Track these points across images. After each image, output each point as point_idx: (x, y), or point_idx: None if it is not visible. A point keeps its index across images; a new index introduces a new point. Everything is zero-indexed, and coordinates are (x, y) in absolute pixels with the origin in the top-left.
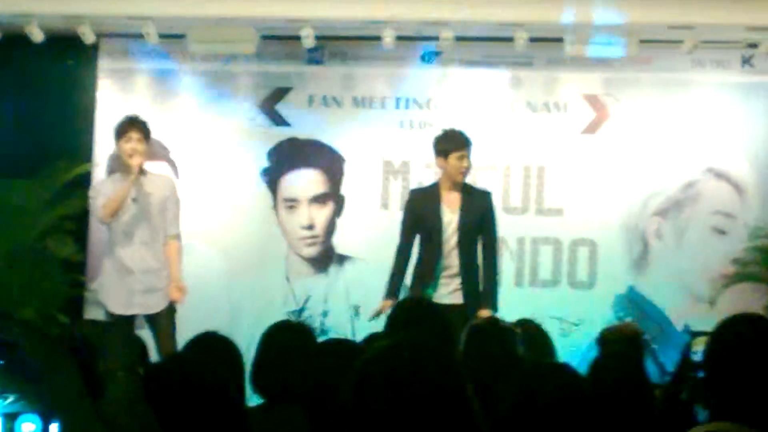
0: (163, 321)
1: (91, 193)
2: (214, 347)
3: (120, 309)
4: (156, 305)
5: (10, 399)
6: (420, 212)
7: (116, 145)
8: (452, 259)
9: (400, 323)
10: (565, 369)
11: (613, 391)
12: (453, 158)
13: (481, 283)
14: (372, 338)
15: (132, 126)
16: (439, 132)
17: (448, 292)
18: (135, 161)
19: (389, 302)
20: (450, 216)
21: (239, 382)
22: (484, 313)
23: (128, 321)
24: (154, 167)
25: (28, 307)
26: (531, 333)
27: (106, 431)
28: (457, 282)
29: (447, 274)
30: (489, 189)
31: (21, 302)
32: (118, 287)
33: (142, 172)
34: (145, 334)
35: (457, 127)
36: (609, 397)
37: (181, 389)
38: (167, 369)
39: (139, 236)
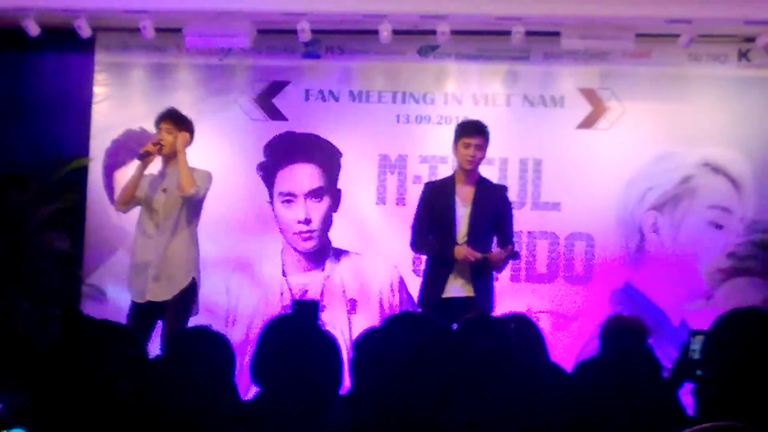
0: (171, 311)
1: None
2: (205, 342)
3: (137, 297)
4: (165, 293)
5: None
6: (434, 204)
7: None
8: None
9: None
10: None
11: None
12: (460, 145)
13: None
14: (369, 333)
15: (164, 117)
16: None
17: (460, 284)
18: (149, 147)
19: (462, 248)
20: (463, 209)
21: (231, 376)
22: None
23: (147, 310)
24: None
25: (24, 301)
26: (523, 327)
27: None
28: (468, 275)
29: (459, 267)
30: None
31: (17, 297)
32: (137, 276)
33: (169, 163)
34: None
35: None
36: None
37: (174, 384)
38: (161, 364)
39: (164, 226)
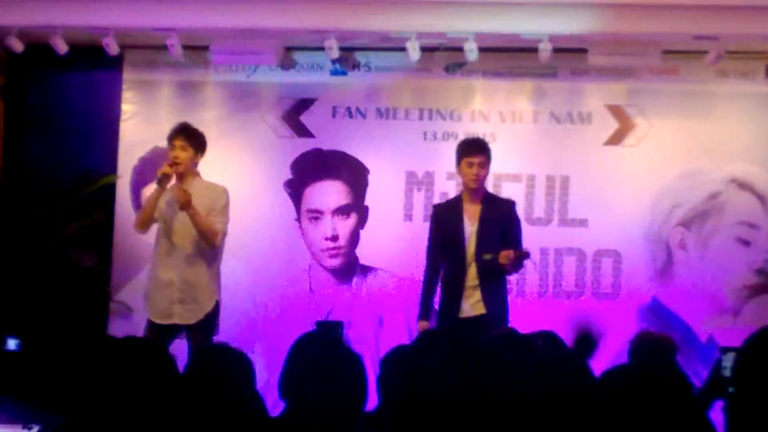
0: (198, 334)
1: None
2: (223, 359)
3: (159, 318)
4: (192, 316)
5: (35, 430)
6: (443, 226)
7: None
8: (473, 270)
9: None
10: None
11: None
12: (464, 164)
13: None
14: (396, 350)
15: (177, 133)
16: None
17: (471, 303)
18: (167, 169)
19: (425, 323)
20: (470, 228)
21: (252, 391)
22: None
23: (167, 331)
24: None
25: (52, 317)
26: (551, 345)
27: None
28: (479, 293)
29: (470, 285)
30: (512, 198)
31: (45, 313)
32: (158, 296)
33: (184, 179)
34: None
35: (479, 136)
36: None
37: (199, 400)
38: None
39: (184, 245)
